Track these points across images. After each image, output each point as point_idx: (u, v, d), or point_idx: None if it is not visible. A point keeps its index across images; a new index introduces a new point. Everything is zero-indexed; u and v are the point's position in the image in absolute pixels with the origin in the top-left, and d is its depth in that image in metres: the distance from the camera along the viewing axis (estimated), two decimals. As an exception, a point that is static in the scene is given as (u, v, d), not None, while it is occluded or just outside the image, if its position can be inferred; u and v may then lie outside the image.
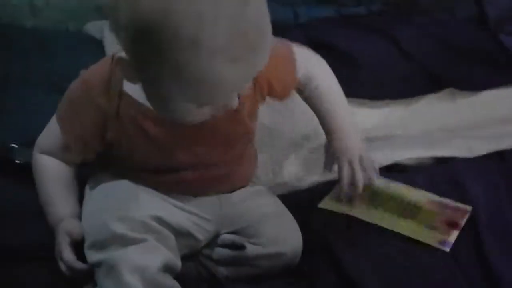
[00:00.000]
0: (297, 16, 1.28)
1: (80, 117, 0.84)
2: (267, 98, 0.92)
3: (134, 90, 0.82)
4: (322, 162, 1.11)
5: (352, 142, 0.99)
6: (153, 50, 0.70)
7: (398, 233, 0.99)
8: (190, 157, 0.86)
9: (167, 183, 0.89)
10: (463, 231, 1.01)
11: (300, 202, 1.06)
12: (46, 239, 0.89)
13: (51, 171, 0.89)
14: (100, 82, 0.83)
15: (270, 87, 0.90)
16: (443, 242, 0.98)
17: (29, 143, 0.93)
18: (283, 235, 0.91)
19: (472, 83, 1.26)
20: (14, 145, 0.99)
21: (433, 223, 1.02)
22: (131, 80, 0.78)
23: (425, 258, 0.96)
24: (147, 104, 0.82)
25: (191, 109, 0.76)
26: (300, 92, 0.99)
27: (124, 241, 0.80)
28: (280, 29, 1.20)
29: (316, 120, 1.13)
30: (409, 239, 0.99)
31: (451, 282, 0.93)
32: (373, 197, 1.08)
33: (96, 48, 1.28)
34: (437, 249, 0.97)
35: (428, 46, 1.24)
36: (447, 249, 0.97)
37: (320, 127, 1.05)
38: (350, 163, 0.98)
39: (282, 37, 1.18)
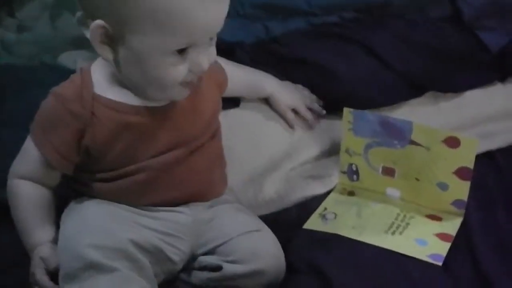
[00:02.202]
0: (268, 31, 1.30)
1: (54, 128, 0.90)
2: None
3: (106, 91, 0.90)
4: (304, 180, 1.14)
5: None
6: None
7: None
8: (169, 139, 0.92)
9: (142, 188, 0.92)
10: (455, 241, 1.03)
11: (283, 220, 1.08)
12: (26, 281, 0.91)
13: (27, 196, 0.93)
14: (72, 91, 0.90)
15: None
16: (434, 256, 1.00)
17: (4, 184, 0.95)
18: (261, 250, 0.93)
19: (454, 85, 1.27)
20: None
21: (424, 236, 1.04)
22: (106, 53, 0.86)
23: (417, 272, 0.97)
24: (122, 100, 0.89)
25: (166, 62, 0.84)
26: None
27: (97, 270, 0.83)
28: (252, 45, 1.25)
29: (296, 137, 1.16)
30: (400, 253, 1.00)
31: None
32: (360, 213, 1.09)
33: (71, 79, 1.30)
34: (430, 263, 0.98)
35: (405, 51, 1.26)
36: (440, 263, 0.99)
37: (300, 144, 1.12)
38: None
39: (254, 53, 1.23)
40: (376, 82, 1.23)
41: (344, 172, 1.15)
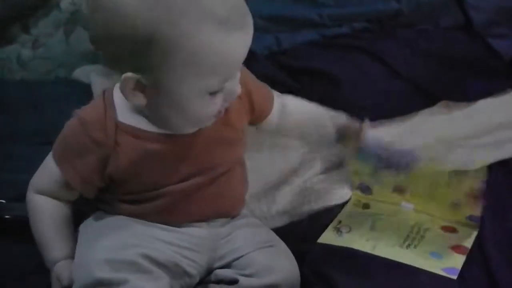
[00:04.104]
0: (280, 43, 1.30)
1: (78, 153, 0.89)
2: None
3: (129, 118, 0.89)
4: (317, 191, 1.14)
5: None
6: (163, 50, 0.79)
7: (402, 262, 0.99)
8: (191, 166, 0.91)
9: (162, 211, 0.92)
10: (470, 253, 1.02)
11: (296, 233, 1.07)
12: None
13: (46, 211, 0.93)
14: (95, 118, 0.89)
15: (250, 98, 0.97)
16: (449, 270, 0.99)
17: (18, 198, 0.96)
18: (277, 265, 0.93)
19: (467, 94, 1.27)
20: (1, 201, 1.03)
21: (439, 250, 1.03)
22: (138, 100, 0.84)
23: (430, 285, 0.96)
24: (146, 128, 0.88)
25: (205, 100, 0.83)
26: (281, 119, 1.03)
27: (106, 286, 0.83)
28: (264, 57, 1.26)
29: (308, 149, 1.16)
30: (414, 267, 0.99)
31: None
32: (374, 225, 1.08)
33: (85, 94, 1.32)
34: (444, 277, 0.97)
35: (417, 60, 1.26)
36: (454, 277, 0.97)
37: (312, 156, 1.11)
38: None
39: (266, 65, 1.23)
40: (388, 92, 1.24)
41: (357, 188, 1.15)
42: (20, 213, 0.97)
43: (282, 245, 0.97)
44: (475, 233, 1.06)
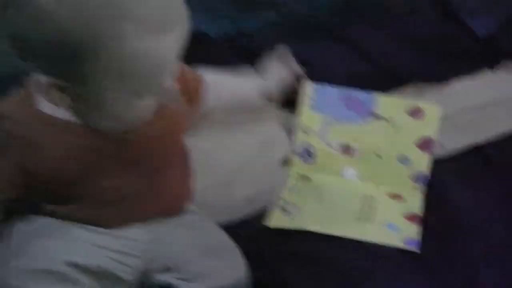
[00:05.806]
0: (237, 25, 1.27)
1: None
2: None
3: (51, 108, 0.80)
4: (275, 179, 1.09)
5: None
6: (81, 54, 0.71)
7: (362, 241, 0.97)
8: (120, 164, 0.84)
9: (91, 209, 0.86)
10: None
11: (251, 231, 1.01)
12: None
13: None
14: (11, 108, 0.80)
15: (187, 89, 0.91)
16: (409, 241, 0.98)
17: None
18: (220, 268, 0.89)
19: (439, 76, 1.23)
20: None
21: (394, 220, 1.02)
22: (58, 101, 0.78)
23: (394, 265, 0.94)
24: (71, 119, 0.80)
25: (134, 103, 0.78)
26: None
27: None
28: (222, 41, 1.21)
29: (266, 136, 1.13)
30: (373, 245, 0.97)
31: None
32: (321, 199, 1.05)
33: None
34: (406, 251, 0.96)
35: (388, 44, 1.24)
36: (416, 249, 0.96)
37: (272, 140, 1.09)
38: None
39: (222, 48, 1.18)
40: (353, 74, 1.20)
41: (298, 155, 1.11)
42: None
43: (229, 245, 0.93)
44: (421, 198, 1.05)
